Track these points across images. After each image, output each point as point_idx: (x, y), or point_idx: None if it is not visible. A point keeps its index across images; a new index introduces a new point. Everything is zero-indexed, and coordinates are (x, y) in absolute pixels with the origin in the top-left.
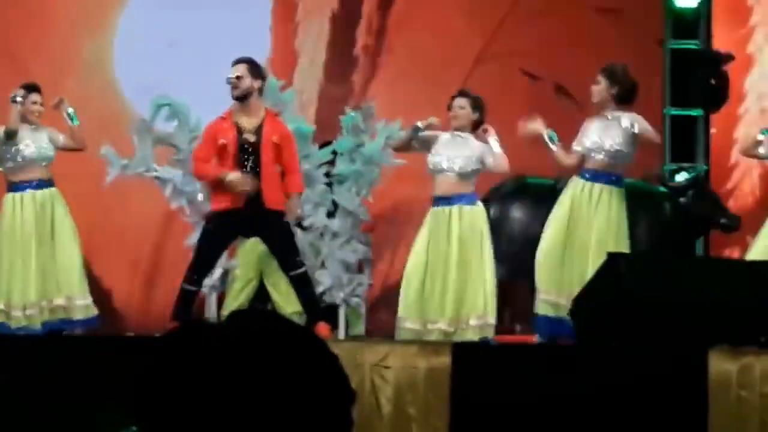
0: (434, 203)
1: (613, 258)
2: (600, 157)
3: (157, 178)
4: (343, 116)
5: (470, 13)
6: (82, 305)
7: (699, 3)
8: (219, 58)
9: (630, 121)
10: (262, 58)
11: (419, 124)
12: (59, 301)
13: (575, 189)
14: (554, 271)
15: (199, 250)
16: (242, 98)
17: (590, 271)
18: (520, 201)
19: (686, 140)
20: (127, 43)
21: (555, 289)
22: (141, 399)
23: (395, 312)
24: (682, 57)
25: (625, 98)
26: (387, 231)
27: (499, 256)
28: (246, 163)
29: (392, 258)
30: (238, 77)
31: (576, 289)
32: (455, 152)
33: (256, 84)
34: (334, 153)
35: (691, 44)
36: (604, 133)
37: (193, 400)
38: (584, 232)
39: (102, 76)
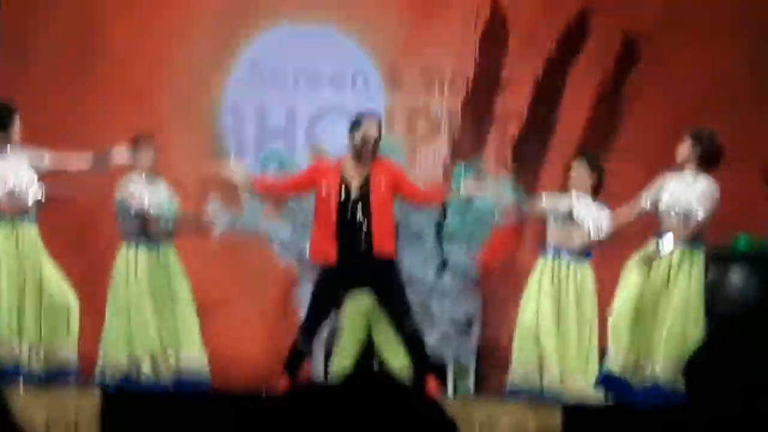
0: None
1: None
2: (678, 220)
3: (265, 233)
4: (453, 170)
5: None
6: (199, 359)
7: None
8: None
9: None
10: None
11: None
12: (181, 358)
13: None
14: (628, 333)
15: (310, 310)
16: (366, 157)
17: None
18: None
19: None
20: (238, 95)
21: (627, 351)
22: None
23: (503, 370)
24: None
25: (709, 160)
26: (493, 287)
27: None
28: (352, 214)
29: (500, 315)
30: (376, 140)
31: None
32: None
33: (379, 142)
34: (445, 208)
35: None
36: (683, 193)
37: None
38: (662, 297)
39: (211, 128)
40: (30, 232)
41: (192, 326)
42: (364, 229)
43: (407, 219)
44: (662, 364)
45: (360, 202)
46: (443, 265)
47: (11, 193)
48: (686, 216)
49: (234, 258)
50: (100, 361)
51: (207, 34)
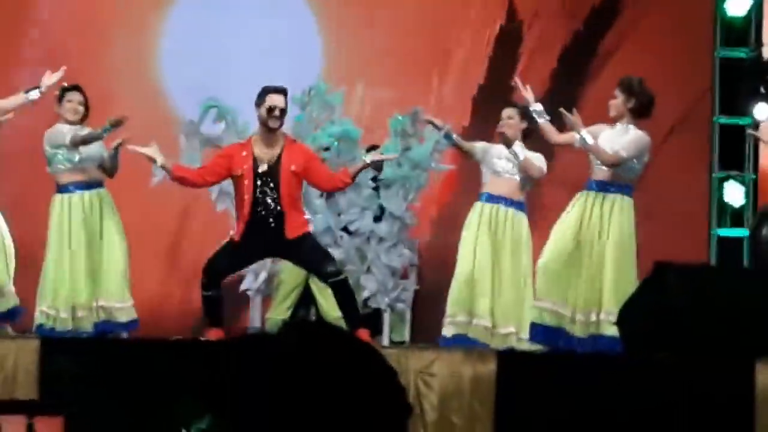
0: None
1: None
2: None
3: None
4: (390, 119)
5: None
6: (126, 308)
7: (748, 11)
8: (266, 62)
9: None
10: (311, 63)
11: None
12: (103, 302)
13: (585, 199)
14: (557, 281)
15: (213, 262)
16: (273, 132)
17: (606, 282)
18: None
19: (735, 149)
20: (174, 44)
21: (556, 299)
22: (213, 400)
23: (440, 318)
24: (732, 65)
25: (642, 112)
26: (432, 235)
27: None
28: (264, 193)
29: (438, 264)
30: (282, 111)
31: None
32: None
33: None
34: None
35: (741, 52)
36: (615, 143)
37: (257, 409)
38: (595, 244)
39: (149, 78)
40: None
41: (120, 274)
42: (274, 208)
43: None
44: (600, 313)
45: (270, 181)
46: (380, 213)
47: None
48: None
49: (171, 205)
50: (37, 309)
51: None
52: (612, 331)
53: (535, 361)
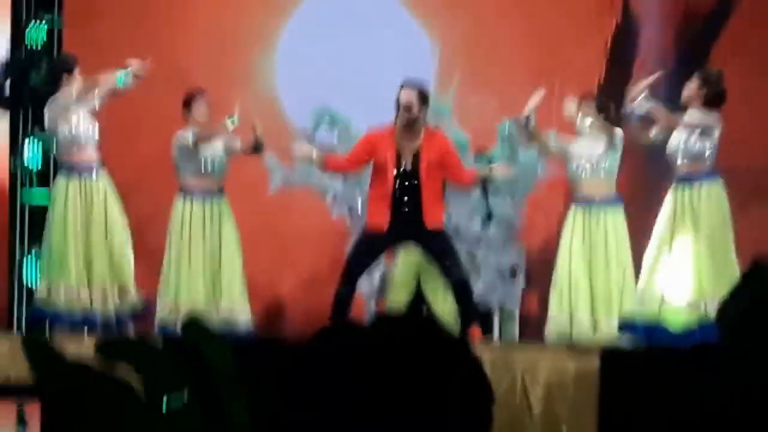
0: None
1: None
2: (685, 161)
3: (318, 187)
4: (499, 125)
5: None
6: (244, 317)
7: None
8: (379, 73)
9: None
10: (426, 75)
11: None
12: (223, 310)
13: (674, 194)
14: (656, 276)
15: (352, 258)
16: (409, 126)
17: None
18: None
19: None
20: (289, 58)
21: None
22: (287, 396)
23: (546, 317)
24: None
25: (712, 101)
26: (539, 238)
27: None
28: (405, 183)
29: (544, 265)
30: (408, 107)
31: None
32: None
33: (423, 111)
34: (490, 162)
35: None
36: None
37: (332, 400)
38: (689, 235)
39: (264, 87)
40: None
41: (238, 281)
42: (414, 201)
43: None
44: (708, 303)
45: (411, 174)
46: (488, 216)
47: (75, 142)
48: (691, 152)
49: (287, 211)
50: (159, 310)
51: None
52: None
53: (637, 356)
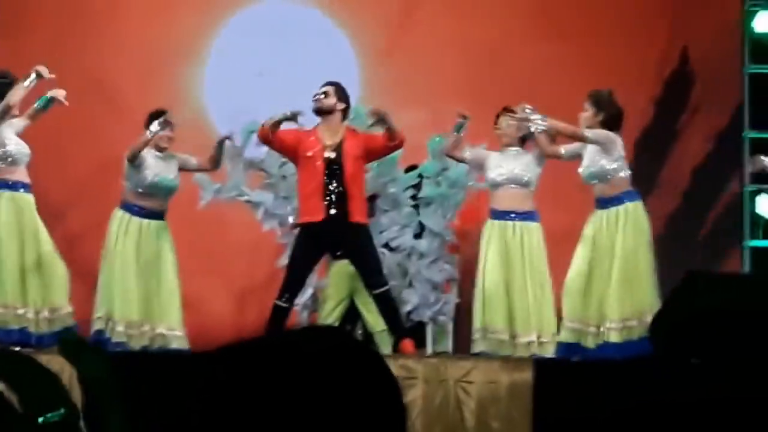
0: None
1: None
2: (597, 182)
3: (249, 201)
4: (428, 140)
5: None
6: (179, 336)
7: None
8: (307, 86)
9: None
10: (350, 87)
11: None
12: (162, 330)
13: (595, 217)
14: (577, 301)
15: (290, 268)
16: (322, 113)
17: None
18: None
19: None
20: (217, 73)
21: (579, 318)
22: (201, 409)
23: None
24: (761, 81)
25: (612, 124)
26: (472, 251)
27: None
28: (331, 177)
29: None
30: (324, 93)
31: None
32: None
33: (340, 105)
34: (420, 176)
35: None
36: (589, 159)
37: (246, 411)
38: (604, 259)
39: (193, 104)
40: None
41: (175, 302)
42: (339, 193)
43: (384, 188)
44: (607, 322)
45: (335, 167)
46: (420, 230)
47: (5, 158)
48: (602, 175)
49: (218, 226)
50: (93, 319)
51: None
52: (617, 337)
53: (570, 368)
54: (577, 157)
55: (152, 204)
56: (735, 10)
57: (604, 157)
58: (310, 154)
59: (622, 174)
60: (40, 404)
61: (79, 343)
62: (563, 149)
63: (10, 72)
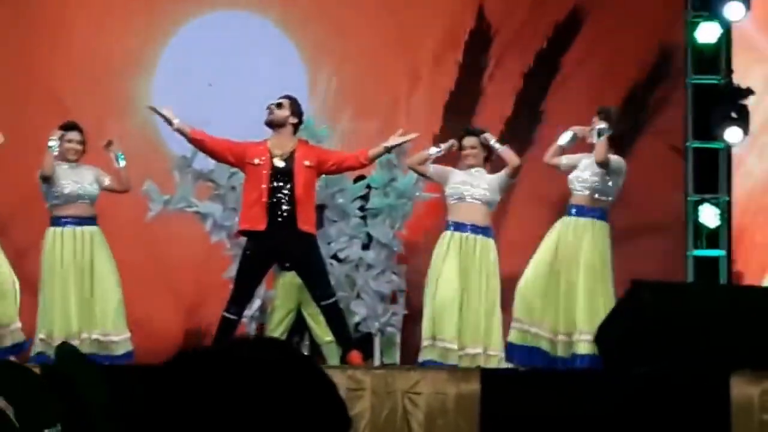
0: None
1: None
2: (585, 193)
3: (197, 213)
4: None
5: None
6: (121, 340)
7: (718, 39)
8: (257, 97)
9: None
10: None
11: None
12: (97, 335)
13: (562, 224)
14: (534, 304)
15: (237, 279)
16: (274, 125)
17: (579, 304)
18: None
19: (709, 172)
20: (166, 83)
21: (533, 321)
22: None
23: None
24: (704, 91)
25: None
26: (419, 262)
27: None
28: (280, 186)
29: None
30: (278, 104)
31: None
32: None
33: (293, 120)
34: (369, 187)
35: (713, 79)
36: (592, 170)
37: (183, 426)
38: (571, 267)
39: (142, 115)
40: None
41: (113, 308)
42: (288, 201)
43: (332, 199)
44: (575, 334)
45: (284, 176)
46: (368, 241)
47: None
48: (592, 189)
49: (166, 238)
50: (36, 339)
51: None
52: (588, 349)
53: (517, 379)
54: (573, 169)
55: (78, 211)
56: (679, 23)
57: (612, 179)
58: (257, 162)
59: (612, 198)
60: (36, 419)
61: (77, 357)
62: (565, 159)
63: None
